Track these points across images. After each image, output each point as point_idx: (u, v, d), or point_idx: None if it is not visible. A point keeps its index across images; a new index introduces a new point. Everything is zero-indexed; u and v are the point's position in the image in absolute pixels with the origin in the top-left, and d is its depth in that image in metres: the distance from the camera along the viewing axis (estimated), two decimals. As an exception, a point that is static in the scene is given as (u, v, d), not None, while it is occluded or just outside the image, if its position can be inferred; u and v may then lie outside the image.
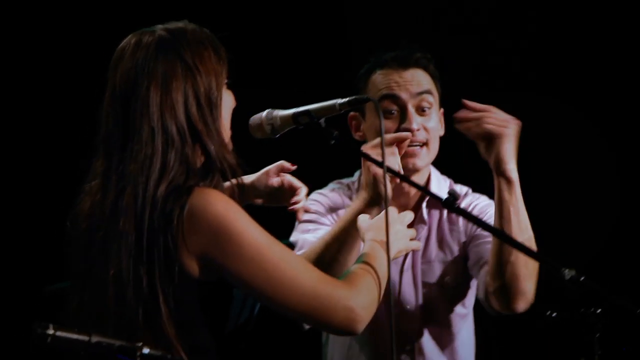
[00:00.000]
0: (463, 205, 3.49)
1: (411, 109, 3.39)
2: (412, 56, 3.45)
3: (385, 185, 2.68)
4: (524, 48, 4.97)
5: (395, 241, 2.62)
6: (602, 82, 4.88)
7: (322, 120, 2.64)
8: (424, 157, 3.42)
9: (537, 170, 4.92)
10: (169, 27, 2.45)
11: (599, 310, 2.38)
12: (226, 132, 2.47)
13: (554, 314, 2.42)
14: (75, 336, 2.17)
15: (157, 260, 2.32)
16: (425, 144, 3.41)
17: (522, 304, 3.17)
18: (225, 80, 2.46)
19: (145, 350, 2.20)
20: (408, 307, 3.47)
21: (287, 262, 2.36)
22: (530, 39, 4.96)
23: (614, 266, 4.80)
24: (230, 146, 2.46)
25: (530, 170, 4.92)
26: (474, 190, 3.58)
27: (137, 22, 2.54)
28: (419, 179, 3.45)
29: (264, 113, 2.70)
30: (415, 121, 3.37)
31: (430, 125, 3.41)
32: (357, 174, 3.59)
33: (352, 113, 3.51)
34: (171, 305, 2.32)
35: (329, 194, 3.51)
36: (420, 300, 3.46)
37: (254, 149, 2.60)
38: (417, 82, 3.43)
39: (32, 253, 4.72)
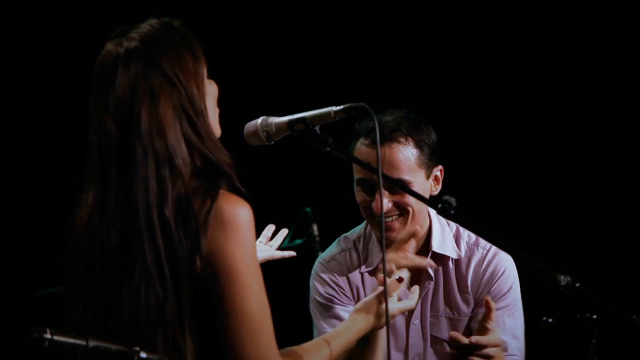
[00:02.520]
0: (474, 260, 3.53)
1: (381, 190, 3.31)
2: (391, 132, 3.42)
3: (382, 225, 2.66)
4: (525, 48, 4.99)
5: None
6: (603, 82, 4.92)
7: (317, 128, 2.64)
8: (400, 230, 3.44)
9: (537, 171, 4.96)
10: (143, 33, 2.43)
11: (594, 316, 2.40)
12: (215, 126, 2.47)
13: (550, 320, 2.43)
14: (72, 340, 2.16)
15: (184, 276, 2.33)
16: (401, 214, 3.43)
17: None
18: (205, 75, 2.47)
19: (143, 355, 2.19)
20: (417, 359, 3.49)
21: (261, 310, 2.36)
22: (532, 39, 4.99)
23: (614, 267, 4.83)
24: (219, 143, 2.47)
25: (531, 171, 4.98)
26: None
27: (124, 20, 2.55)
28: (419, 234, 3.49)
29: (259, 120, 2.70)
30: (385, 204, 3.37)
31: (406, 201, 3.41)
32: (362, 225, 3.61)
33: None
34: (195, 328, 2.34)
35: (337, 268, 3.54)
36: (430, 353, 3.48)
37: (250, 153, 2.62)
38: (394, 164, 3.40)
39: (24, 258, 4.73)
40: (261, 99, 2.85)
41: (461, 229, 3.60)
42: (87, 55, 2.56)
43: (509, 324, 3.44)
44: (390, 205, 3.41)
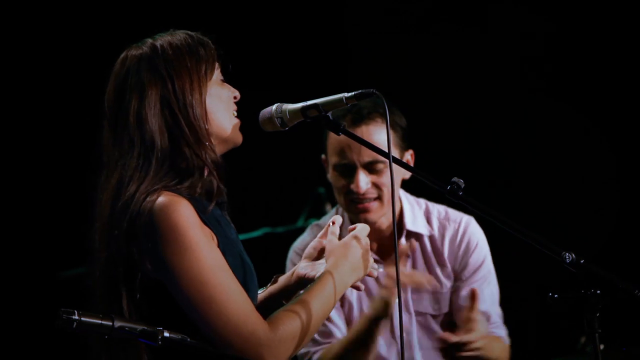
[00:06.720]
0: (448, 235, 3.63)
1: (361, 171, 3.50)
2: (369, 113, 3.55)
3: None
4: (526, 49, 5.04)
5: (352, 271, 2.67)
6: (603, 83, 4.96)
7: (329, 114, 2.71)
8: (377, 211, 3.57)
9: (540, 168, 5.02)
10: (151, 41, 2.59)
11: (598, 291, 2.46)
12: (218, 122, 2.60)
13: (556, 295, 2.49)
14: (99, 321, 2.26)
15: (120, 262, 2.47)
16: (378, 198, 3.55)
17: None
18: (214, 76, 2.60)
19: (166, 334, 2.29)
20: (405, 335, 3.58)
21: (223, 289, 2.45)
22: (532, 40, 5.04)
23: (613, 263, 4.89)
24: (208, 140, 2.56)
25: (534, 169, 5.03)
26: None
27: (140, 26, 2.66)
28: (389, 214, 3.58)
29: (274, 107, 2.76)
30: (363, 181, 3.50)
31: (383, 181, 3.53)
32: (332, 212, 3.71)
33: (324, 156, 3.68)
34: (133, 305, 2.47)
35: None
36: (416, 329, 3.58)
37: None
38: (373, 143, 3.50)
39: (48, 239, 4.82)
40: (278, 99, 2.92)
41: (430, 205, 3.71)
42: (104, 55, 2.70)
43: (488, 292, 3.57)
44: (369, 185, 3.52)
